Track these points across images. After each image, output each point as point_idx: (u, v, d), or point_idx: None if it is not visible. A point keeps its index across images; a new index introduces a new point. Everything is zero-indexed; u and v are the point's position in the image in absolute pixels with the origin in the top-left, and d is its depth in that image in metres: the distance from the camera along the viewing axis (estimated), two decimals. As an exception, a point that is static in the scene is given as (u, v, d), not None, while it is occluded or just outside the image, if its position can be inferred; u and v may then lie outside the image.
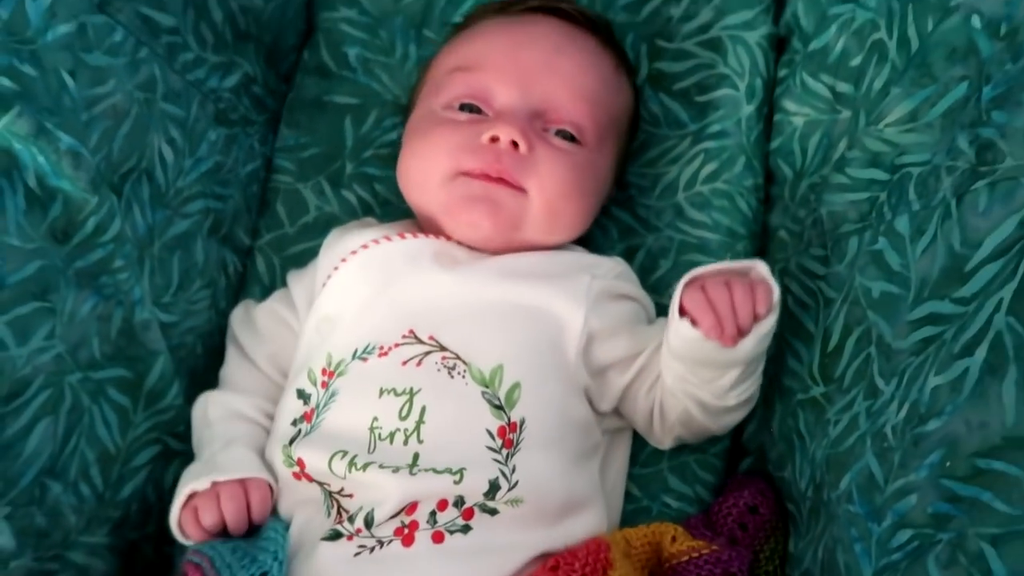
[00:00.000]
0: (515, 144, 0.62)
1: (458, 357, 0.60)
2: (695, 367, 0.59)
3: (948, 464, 0.46)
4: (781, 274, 0.72)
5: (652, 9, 0.82)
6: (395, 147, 0.81)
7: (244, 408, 0.67)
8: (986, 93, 0.50)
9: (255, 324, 0.71)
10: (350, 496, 0.57)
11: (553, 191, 0.64)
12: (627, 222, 0.79)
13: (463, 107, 0.66)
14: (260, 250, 0.80)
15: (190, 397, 0.71)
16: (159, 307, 0.68)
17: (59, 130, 0.55)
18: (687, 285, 0.58)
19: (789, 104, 0.75)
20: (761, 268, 0.59)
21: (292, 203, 0.81)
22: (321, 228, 0.80)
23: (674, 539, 0.57)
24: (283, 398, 0.65)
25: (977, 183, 0.49)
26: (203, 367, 0.73)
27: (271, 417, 0.66)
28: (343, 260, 0.66)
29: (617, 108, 0.72)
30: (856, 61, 0.65)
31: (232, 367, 0.71)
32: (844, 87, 0.67)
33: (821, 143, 0.71)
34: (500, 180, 0.63)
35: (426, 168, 0.65)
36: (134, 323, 0.63)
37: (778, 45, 0.80)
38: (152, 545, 0.69)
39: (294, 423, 0.62)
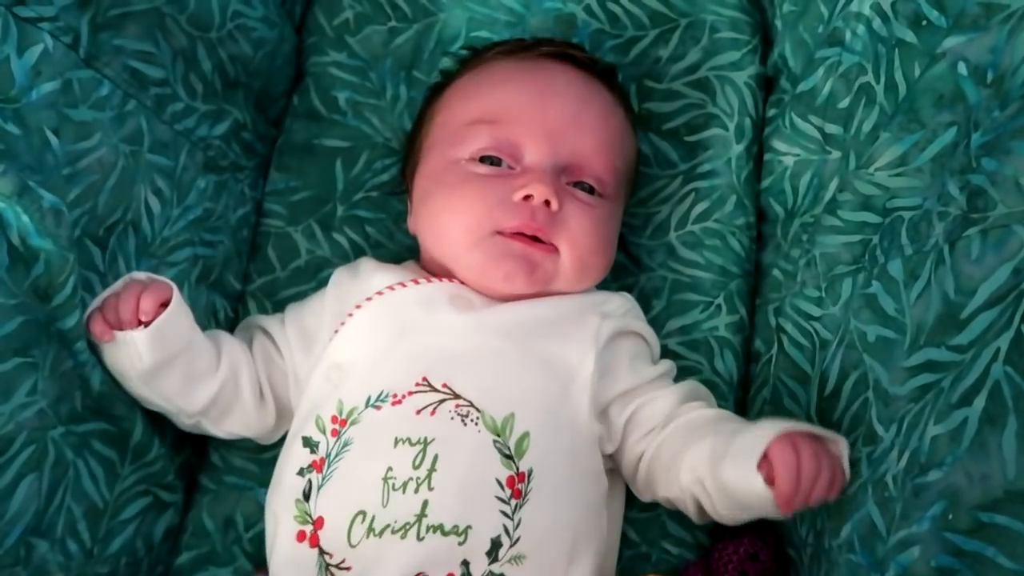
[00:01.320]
0: (547, 202, 0.63)
1: (471, 404, 0.59)
2: (729, 498, 0.57)
3: (950, 517, 0.45)
4: (776, 313, 0.72)
5: (640, 51, 0.82)
6: (387, 188, 0.82)
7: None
8: (975, 140, 0.51)
9: (249, 338, 0.71)
10: (347, 569, 0.56)
11: (584, 247, 0.65)
12: (619, 261, 0.78)
13: (486, 159, 0.66)
14: (252, 295, 0.80)
15: (177, 445, 0.70)
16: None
17: (41, 188, 0.54)
18: (779, 437, 0.53)
19: (779, 144, 0.75)
20: (843, 448, 0.54)
21: (283, 247, 0.80)
22: (312, 272, 0.79)
23: None
24: (287, 447, 0.64)
25: (969, 230, 0.49)
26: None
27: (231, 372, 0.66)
28: (357, 307, 0.65)
29: (630, 157, 0.73)
30: (844, 103, 0.66)
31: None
32: (833, 128, 0.68)
33: (812, 183, 0.71)
34: (534, 238, 0.64)
35: (462, 224, 0.64)
36: (112, 384, 0.62)
37: (767, 84, 0.81)
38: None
39: (301, 472, 0.60)
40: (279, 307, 0.78)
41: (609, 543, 0.64)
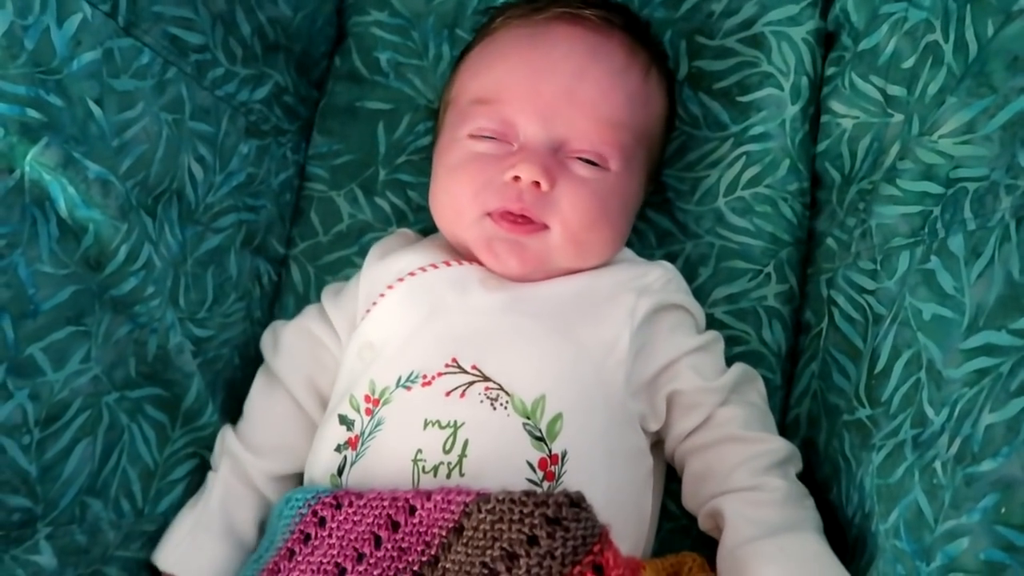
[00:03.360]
0: (536, 183, 0.62)
1: (501, 388, 0.59)
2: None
3: (1003, 510, 0.43)
4: (828, 284, 0.69)
5: (692, 4, 0.79)
6: (428, 152, 0.81)
7: (253, 473, 0.66)
8: (1051, 107, 0.47)
9: (288, 347, 0.71)
10: None
11: (576, 224, 0.63)
12: (665, 227, 0.76)
13: (485, 137, 0.65)
14: (295, 259, 0.80)
15: (227, 410, 0.72)
16: (194, 323, 0.68)
17: (87, 159, 0.55)
18: None
19: (837, 105, 0.71)
20: None
21: (325, 211, 0.81)
22: (355, 236, 0.79)
23: (690, 570, 0.55)
24: (325, 423, 0.65)
25: (1039, 205, 0.46)
26: (240, 378, 0.73)
27: (275, 479, 0.66)
28: (389, 287, 0.66)
29: (647, 120, 0.69)
30: (909, 63, 0.61)
31: (259, 398, 0.70)
32: (896, 90, 0.63)
33: (871, 147, 0.67)
34: (523, 218, 0.63)
35: (455, 206, 0.65)
36: (168, 348, 0.63)
37: (827, 40, 0.76)
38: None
39: (338, 449, 0.61)
40: (321, 271, 0.79)
41: (649, 519, 0.64)
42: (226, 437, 0.68)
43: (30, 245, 0.54)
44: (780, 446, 0.61)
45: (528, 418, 0.58)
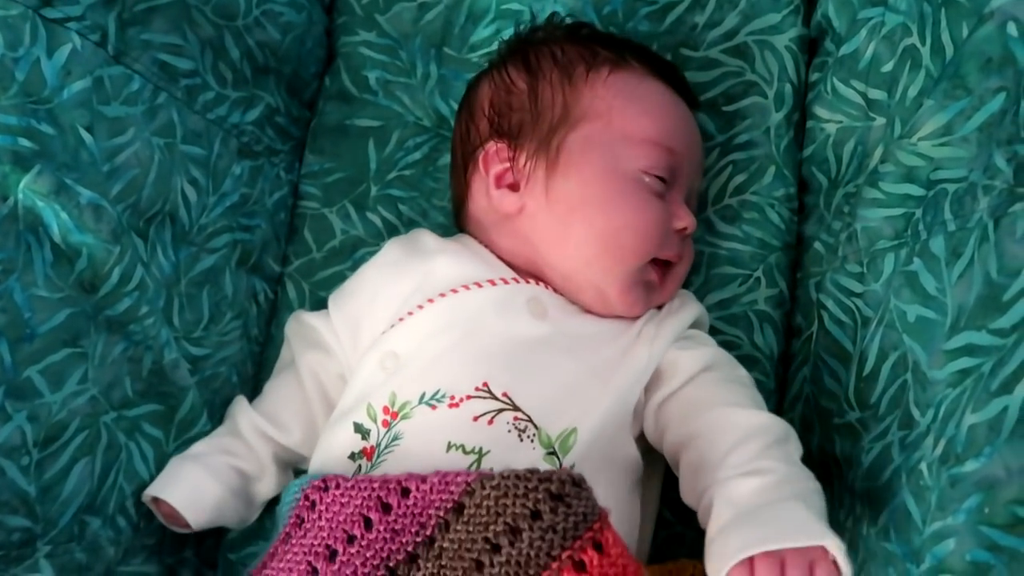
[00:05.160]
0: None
1: (530, 420, 0.58)
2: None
3: (987, 510, 0.43)
4: (817, 288, 0.69)
5: (676, 18, 0.79)
6: (418, 167, 0.82)
7: (261, 450, 0.69)
8: (1024, 107, 0.47)
9: (306, 333, 0.72)
10: None
11: (685, 271, 0.68)
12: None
13: (660, 177, 0.65)
14: (289, 276, 0.81)
15: (219, 423, 0.72)
16: (190, 342, 0.69)
17: (79, 185, 0.56)
18: (737, 565, 0.49)
19: (821, 111, 0.72)
20: (831, 545, 0.48)
21: (319, 228, 0.82)
22: (348, 252, 0.80)
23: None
24: (336, 425, 0.63)
25: (1015, 205, 0.46)
26: (236, 393, 0.74)
27: (277, 461, 0.69)
28: (429, 300, 0.63)
29: None
30: (888, 67, 0.62)
31: (278, 382, 0.73)
32: (877, 94, 0.64)
33: (856, 151, 0.67)
34: (666, 264, 0.66)
35: (636, 244, 0.63)
36: (164, 364, 0.64)
37: (811, 46, 0.77)
38: (192, 570, 0.71)
39: (352, 457, 0.60)
40: (316, 288, 0.80)
41: (644, 525, 0.64)
42: (244, 406, 0.71)
43: (25, 270, 0.55)
44: (773, 423, 0.56)
45: (550, 449, 0.57)
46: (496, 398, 0.58)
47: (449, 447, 0.56)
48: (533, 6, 0.81)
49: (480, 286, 0.63)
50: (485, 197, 0.67)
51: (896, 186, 0.59)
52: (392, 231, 0.81)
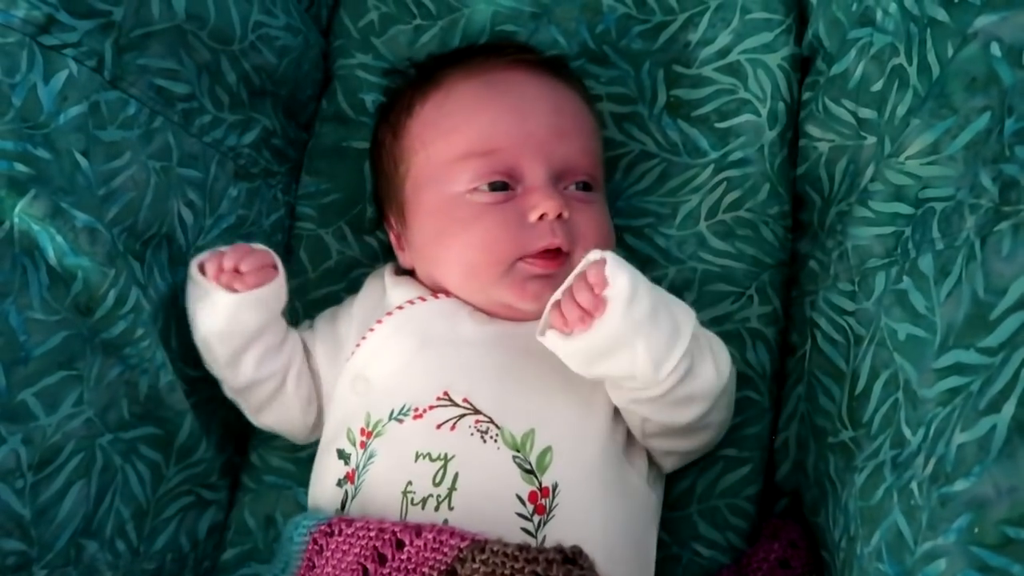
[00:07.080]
0: (559, 214, 0.64)
1: (491, 421, 0.59)
2: (595, 368, 0.57)
3: (977, 530, 0.43)
4: (811, 307, 0.69)
5: (669, 36, 0.80)
6: (366, 228, 0.81)
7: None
8: (1008, 126, 0.47)
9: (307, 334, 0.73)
10: None
11: (594, 244, 0.64)
12: (647, 253, 0.77)
13: (494, 184, 0.65)
14: (286, 297, 0.82)
15: (222, 447, 0.72)
16: (187, 363, 0.69)
17: (74, 209, 0.57)
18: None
19: (813, 129, 0.72)
20: (591, 255, 0.56)
21: (314, 249, 0.82)
22: (342, 272, 0.81)
23: None
24: (323, 455, 0.66)
25: (1001, 224, 0.46)
26: (235, 416, 0.74)
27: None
28: (378, 321, 0.67)
29: (601, 143, 0.73)
30: (877, 87, 0.62)
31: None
32: (867, 113, 0.64)
33: (848, 170, 0.68)
34: (554, 252, 0.64)
35: (485, 260, 0.64)
36: (160, 387, 0.64)
37: (804, 64, 0.77)
38: (191, 596, 0.71)
39: (339, 483, 0.62)
40: (310, 307, 0.80)
41: (653, 558, 0.63)
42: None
43: (21, 293, 0.55)
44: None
45: (518, 451, 0.58)
46: (457, 404, 0.60)
47: (417, 457, 0.58)
48: (527, 27, 0.82)
49: (424, 300, 0.67)
50: None
51: (886, 204, 0.59)
52: (388, 252, 0.81)
